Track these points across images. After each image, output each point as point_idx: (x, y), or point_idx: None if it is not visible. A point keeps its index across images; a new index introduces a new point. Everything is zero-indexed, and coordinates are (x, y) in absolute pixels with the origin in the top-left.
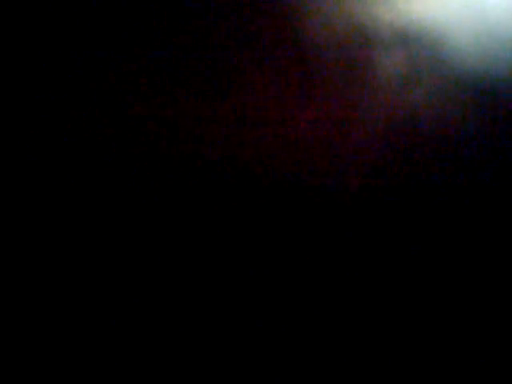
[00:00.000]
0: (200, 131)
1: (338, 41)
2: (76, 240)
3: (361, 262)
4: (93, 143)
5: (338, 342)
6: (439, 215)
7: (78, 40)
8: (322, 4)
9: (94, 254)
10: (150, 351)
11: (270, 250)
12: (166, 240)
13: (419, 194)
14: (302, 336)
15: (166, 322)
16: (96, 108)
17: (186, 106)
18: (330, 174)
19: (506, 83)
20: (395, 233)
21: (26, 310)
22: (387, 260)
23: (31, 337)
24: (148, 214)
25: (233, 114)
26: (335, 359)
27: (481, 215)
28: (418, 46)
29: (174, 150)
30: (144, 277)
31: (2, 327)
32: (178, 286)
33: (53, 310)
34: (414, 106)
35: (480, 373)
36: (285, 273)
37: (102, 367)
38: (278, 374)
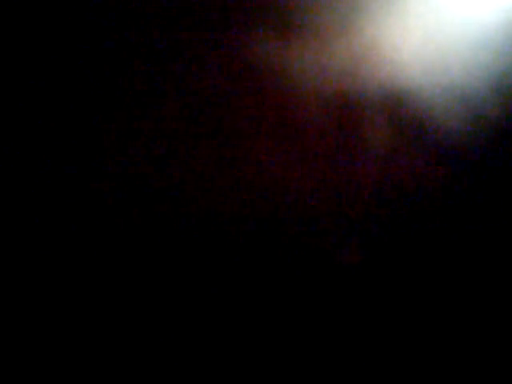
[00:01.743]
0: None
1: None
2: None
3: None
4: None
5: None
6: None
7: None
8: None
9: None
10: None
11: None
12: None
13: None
14: None
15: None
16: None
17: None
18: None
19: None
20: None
21: (25, 310)
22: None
23: (31, 337)
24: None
25: (233, 177)
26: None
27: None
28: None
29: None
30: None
31: (2, 327)
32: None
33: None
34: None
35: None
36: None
37: (101, 367)
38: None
